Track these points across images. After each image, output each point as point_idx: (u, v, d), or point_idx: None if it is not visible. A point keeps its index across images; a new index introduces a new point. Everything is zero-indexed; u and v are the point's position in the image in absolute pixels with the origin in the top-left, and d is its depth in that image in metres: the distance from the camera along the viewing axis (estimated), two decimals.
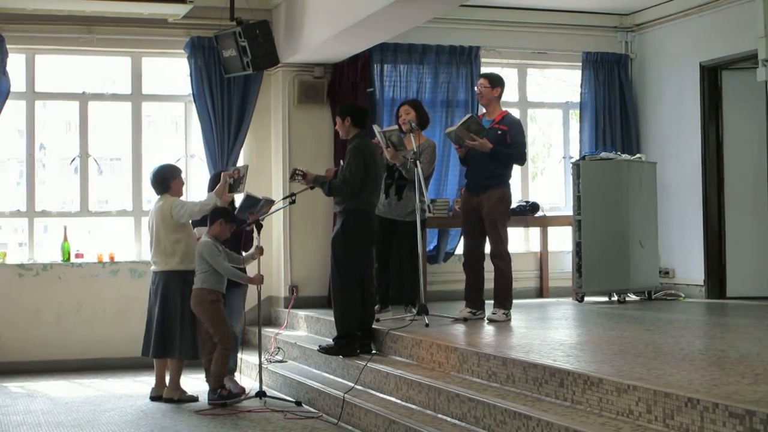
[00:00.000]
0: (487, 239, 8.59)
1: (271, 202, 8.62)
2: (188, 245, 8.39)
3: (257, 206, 8.42)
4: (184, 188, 8.85)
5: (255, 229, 8.36)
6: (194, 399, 8.41)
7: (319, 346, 8.50)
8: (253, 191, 8.59)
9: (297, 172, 8.38)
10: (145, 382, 9.07)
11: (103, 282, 10.49)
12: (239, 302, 8.78)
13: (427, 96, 11.04)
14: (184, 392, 8.45)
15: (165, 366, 8.52)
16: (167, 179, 8.57)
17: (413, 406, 6.82)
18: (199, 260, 8.18)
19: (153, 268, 8.55)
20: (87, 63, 11.02)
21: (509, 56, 11.65)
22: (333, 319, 8.33)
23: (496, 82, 8.70)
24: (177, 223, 8.36)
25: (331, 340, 8.46)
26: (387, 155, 8.75)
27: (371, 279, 8.44)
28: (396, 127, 9.02)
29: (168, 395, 8.41)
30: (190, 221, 8.52)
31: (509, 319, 8.49)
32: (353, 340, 8.17)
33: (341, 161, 8.40)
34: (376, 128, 8.80)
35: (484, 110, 8.83)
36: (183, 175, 8.90)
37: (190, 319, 8.34)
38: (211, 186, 8.71)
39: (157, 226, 8.43)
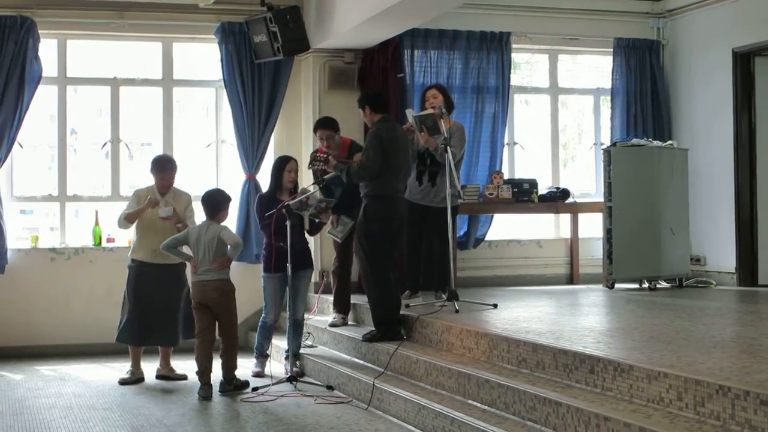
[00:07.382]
0: None
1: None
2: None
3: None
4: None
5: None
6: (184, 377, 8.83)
7: (363, 336, 8.34)
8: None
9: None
10: (174, 366, 9.11)
11: None
12: (307, 287, 8.93)
13: (458, 82, 11.01)
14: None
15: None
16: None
17: (443, 392, 6.83)
18: (220, 247, 8.06)
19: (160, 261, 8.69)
20: (118, 48, 11.06)
21: (540, 42, 11.59)
22: (362, 303, 8.29)
23: None
24: None
25: (372, 328, 8.34)
26: (421, 140, 8.64)
27: (392, 265, 8.39)
28: (431, 111, 8.83)
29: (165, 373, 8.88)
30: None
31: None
32: (395, 323, 8.15)
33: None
34: (409, 113, 8.68)
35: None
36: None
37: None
38: (274, 172, 8.72)
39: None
